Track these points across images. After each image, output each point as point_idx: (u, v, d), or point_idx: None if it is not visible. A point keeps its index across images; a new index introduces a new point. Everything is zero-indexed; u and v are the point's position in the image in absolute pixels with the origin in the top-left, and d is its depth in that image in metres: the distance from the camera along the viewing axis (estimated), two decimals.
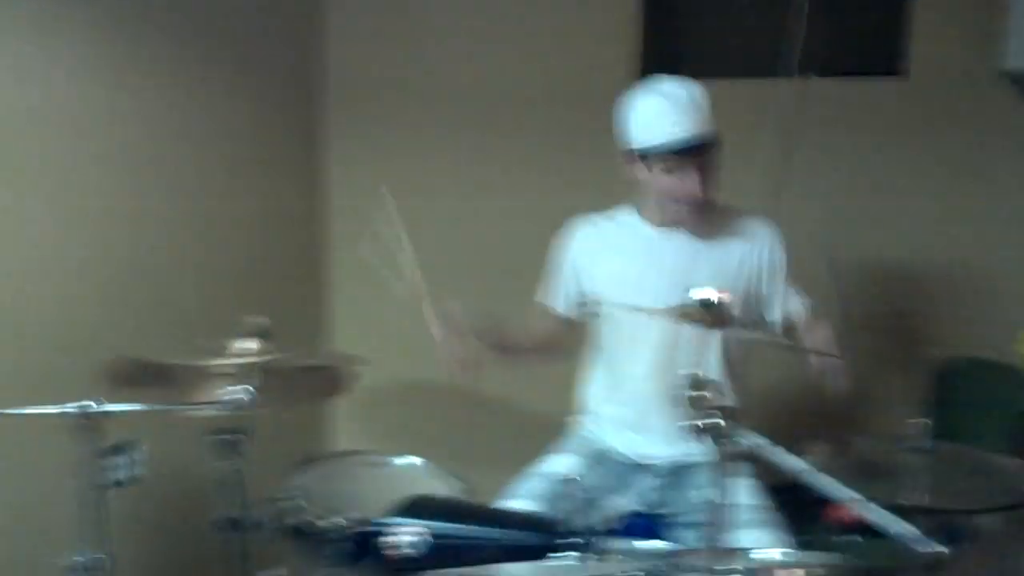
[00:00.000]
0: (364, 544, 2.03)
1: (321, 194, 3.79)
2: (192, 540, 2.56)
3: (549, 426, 2.73)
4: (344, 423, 3.91)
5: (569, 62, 3.51)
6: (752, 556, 1.76)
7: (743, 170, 2.67)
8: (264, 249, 3.46)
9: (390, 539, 1.84)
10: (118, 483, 2.15)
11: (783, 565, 1.77)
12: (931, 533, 2.58)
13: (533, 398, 3.41)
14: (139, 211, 2.88)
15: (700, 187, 2.42)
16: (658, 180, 2.44)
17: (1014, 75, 2.99)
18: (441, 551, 1.81)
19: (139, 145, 2.87)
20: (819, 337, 2.40)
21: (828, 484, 1.72)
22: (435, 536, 1.82)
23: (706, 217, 2.49)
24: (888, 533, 1.64)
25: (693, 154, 2.39)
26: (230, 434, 2.36)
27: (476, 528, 1.91)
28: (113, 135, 2.78)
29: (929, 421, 2.20)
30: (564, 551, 1.80)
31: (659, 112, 2.39)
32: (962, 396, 2.96)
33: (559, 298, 2.68)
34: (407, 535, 1.82)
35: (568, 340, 2.73)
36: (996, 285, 3.17)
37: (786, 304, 2.52)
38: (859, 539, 2.62)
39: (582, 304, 2.64)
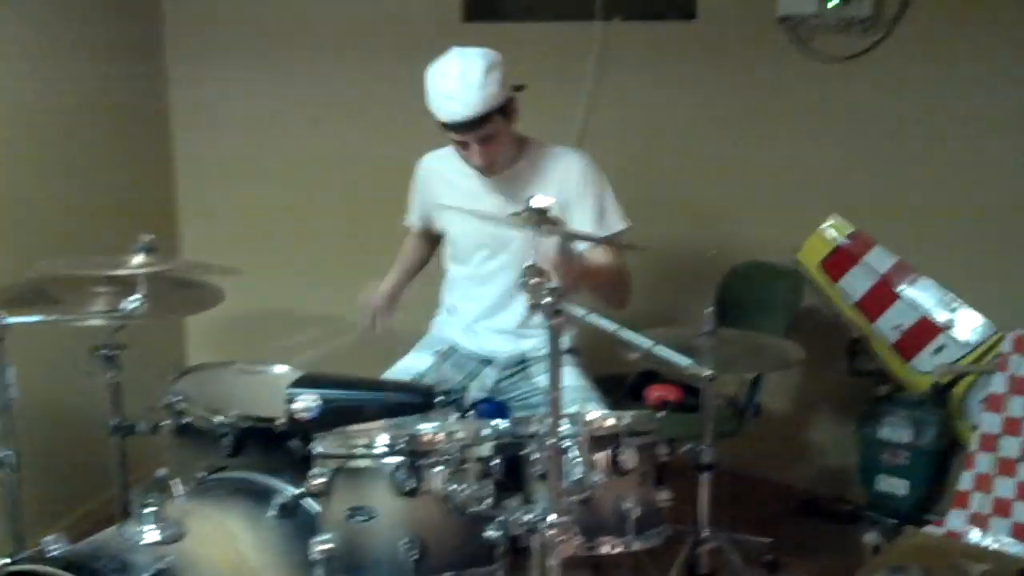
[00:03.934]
0: (243, 439, 2.27)
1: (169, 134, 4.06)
2: (88, 444, 2.78)
3: (396, 342, 2.97)
4: (198, 337, 4.16)
5: (397, 5, 3.79)
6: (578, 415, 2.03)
7: (557, 106, 2.99)
8: (123, 177, 3.77)
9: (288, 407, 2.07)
10: None
11: (602, 421, 2.05)
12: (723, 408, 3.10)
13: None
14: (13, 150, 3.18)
15: (480, 158, 2.62)
16: (455, 147, 2.69)
17: (786, 20, 3.45)
18: (332, 414, 2.06)
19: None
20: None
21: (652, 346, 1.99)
22: (325, 401, 2.05)
23: (515, 164, 2.71)
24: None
25: (467, 131, 2.55)
26: (111, 348, 2.56)
27: (360, 393, 2.21)
28: None
29: (714, 311, 2.63)
30: (439, 408, 2.09)
31: (436, 92, 2.55)
32: (747, 294, 3.42)
33: (413, 217, 3.00)
34: (301, 403, 2.05)
35: (430, 252, 3.07)
36: (778, 202, 3.60)
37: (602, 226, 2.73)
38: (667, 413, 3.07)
39: (431, 220, 2.93)
